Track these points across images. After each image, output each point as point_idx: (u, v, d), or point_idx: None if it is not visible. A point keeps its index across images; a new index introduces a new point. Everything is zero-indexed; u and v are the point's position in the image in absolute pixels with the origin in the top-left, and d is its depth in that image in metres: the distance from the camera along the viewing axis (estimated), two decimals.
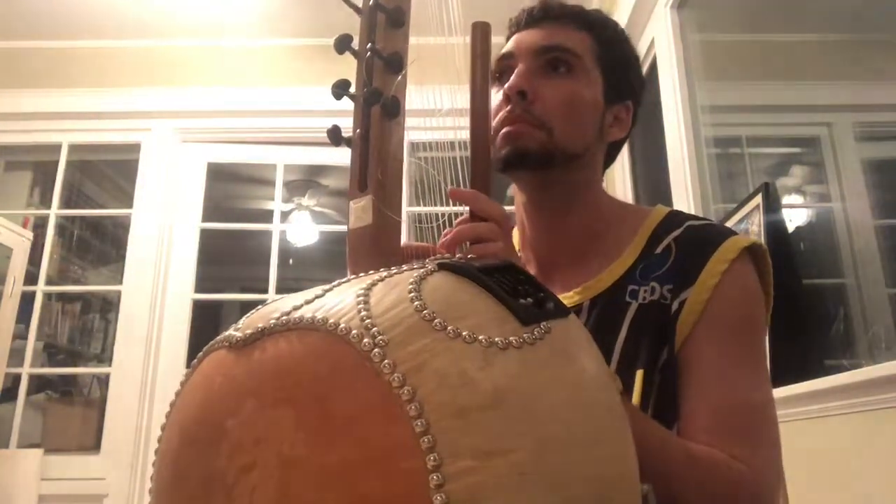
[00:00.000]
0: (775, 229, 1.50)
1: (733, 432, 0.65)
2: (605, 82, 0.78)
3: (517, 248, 0.86)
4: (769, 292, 0.75)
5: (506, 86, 0.75)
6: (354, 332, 0.36)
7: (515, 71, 0.76)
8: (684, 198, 1.91)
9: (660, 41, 2.15)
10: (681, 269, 0.72)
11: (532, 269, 0.83)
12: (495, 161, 0.74)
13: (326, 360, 0.36)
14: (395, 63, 0.60)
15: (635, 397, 0.68)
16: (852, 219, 1.47)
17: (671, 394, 0.68)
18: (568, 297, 0.77)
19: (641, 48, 2.32)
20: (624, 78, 0.81)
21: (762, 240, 1.37)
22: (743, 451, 0.64)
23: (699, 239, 0.74)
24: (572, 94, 0.75)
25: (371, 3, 0.62)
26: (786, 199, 1.64)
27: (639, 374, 0.69)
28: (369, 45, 0.60)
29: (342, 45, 0.60)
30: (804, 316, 1.43)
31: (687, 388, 0.68)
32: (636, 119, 0.84)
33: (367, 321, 0.37)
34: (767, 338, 0.78)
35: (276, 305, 0.42)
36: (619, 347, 0.71)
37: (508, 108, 0.74)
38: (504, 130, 0.74)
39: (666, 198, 2.00)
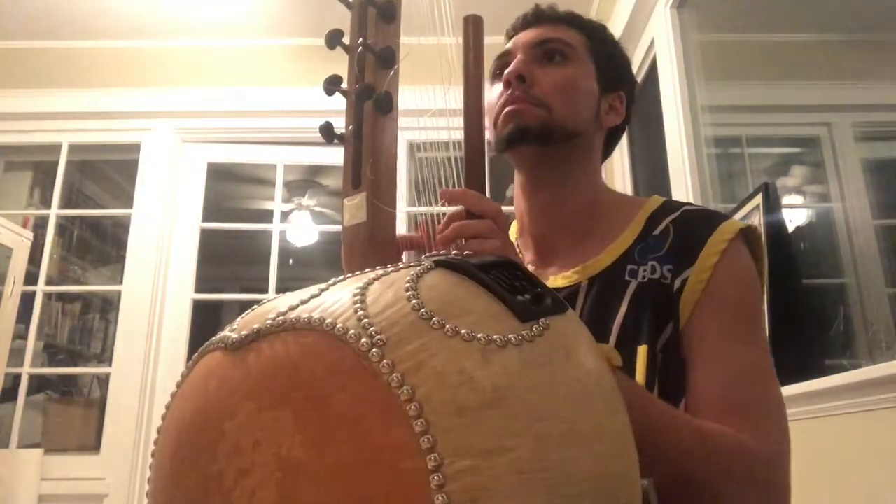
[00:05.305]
0: (775, 229, 1.50)
1: (740, 405, 0.66)
2: (598, 72, 0.84)
3: (514, 237, 0.88)
4: (763, 274, 0.77)
5: (506, 72, 0.80)
6: (352, 331, 0.36)
7: (514, 60, 0.81)
8: (684, 198, 1.91)
9: (660, 41, 2.15)
10: (680, 249, 0.74)
11: (530, 255, 0.85)
12: (498, 141, 0.79)
13: (324, 360, 0.36)
14: (387, 58, 0.60)
15: (639, 374, 0.69)
16: (852, 219, 1.46)
17: (676, 371, 0.69)
18: (567, 277, 0.79)
19: (641, 48, 2.32)
20: (615, 70, 0.86)
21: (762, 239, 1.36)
22: (751, 424, 0.65)
23: (697, 221, 0.77)
24: (568, 77, 0.81)
25: None
26: (786, 199, 1.63)
27: (641, 349, 0.70)
28: (360, 39, 0.59)
29: (333, 40, 0.59)
30: (804, 316, 1.43)
31: (692, 364, 0.70)
32: (630, 113, 0.88)
33: (365, 320, 0.36)
34: (766, 337, 0.79)
35: (272, 305, 0.42)
36: (619, 324, 0.73)
37: (509, 91, 0.79)
38: (507, 110, 0.78)
39: (666, 197, 1.99)
